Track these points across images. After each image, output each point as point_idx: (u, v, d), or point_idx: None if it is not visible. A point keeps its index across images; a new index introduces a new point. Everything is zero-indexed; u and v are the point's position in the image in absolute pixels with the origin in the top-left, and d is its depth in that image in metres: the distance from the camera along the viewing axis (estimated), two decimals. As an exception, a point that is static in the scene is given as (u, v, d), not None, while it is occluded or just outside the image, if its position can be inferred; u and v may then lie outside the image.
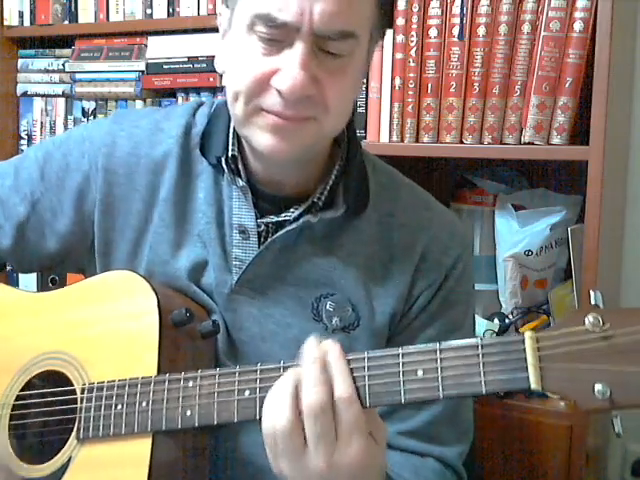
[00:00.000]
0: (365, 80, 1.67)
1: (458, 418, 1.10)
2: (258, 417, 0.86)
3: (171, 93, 2.02)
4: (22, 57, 2.24)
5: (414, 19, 1.60)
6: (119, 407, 0.95)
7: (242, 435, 1.02)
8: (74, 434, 0.98)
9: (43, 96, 2.21)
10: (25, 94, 2.24)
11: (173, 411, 0.92)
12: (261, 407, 0.85)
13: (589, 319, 0.74)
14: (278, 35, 0.91)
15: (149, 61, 2.01)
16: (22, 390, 1.04)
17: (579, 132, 1.51)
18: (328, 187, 1.04)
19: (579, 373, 0.73)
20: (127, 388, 0.95)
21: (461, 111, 1.58)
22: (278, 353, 1.02)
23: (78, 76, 2.11)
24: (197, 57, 1.93)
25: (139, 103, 2.04)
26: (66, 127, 2.17)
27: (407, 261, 1.07)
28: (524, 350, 0.76)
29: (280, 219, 1.04)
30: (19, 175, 1.15)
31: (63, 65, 2.15)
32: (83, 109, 2.14)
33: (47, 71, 2.20)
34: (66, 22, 2.13)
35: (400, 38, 1.62)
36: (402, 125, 1.64)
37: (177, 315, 0.97)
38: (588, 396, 0.73)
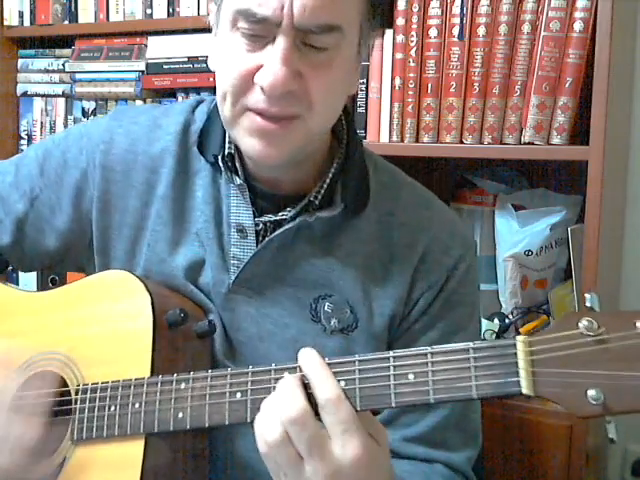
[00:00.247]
0: (365, 80, 1.67)
1: (465, 422, 1.08)
2: (249, 420, 0.85)
3: (171, 93, 2.02)
4: (22, 57, 2.24)
5: (414, 19, 1.60)
6: (112, 409, 0.95)
7: (239, 439, 1.02)
8: (68, 435, 0.98)
9: (43, 96, 2.22)
10: (25, 94, 2.25)
11: (165, 413, 0.91)
12: (252, 410, 0.85)
13: (583, 323, 0.72)
14: (260, 31, 0.90)
15: (149, 61, 2.01)
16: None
17: (579, 132, 1.51)
18: (325, 185, 1.03)
19: (572, 378, 0.72)
20: (120, 389, 0.95)
21: (461, 111, 1.58)
22: (276, 353, 1.02)
23: (78, 76, 2.11)
24: (197, 57, 1.93)
25: (139, 103, 2.04)
26: (66, 127, 2.17)
27: (407, 261, 1.06)
28: (515, 354, 0.75)
29: (278, 218, 1.03)
30: (19, 172, 1.15)
31: (63, 65, 2.15)
32: (83, 109, 2.14)
33: (47, 71, 2.20)
34: (66, 22, 2.14)
35: (400, 38, 1.62)
36: (402, 125, 1.64)
37: (171, 315, 0.97)
38: (581, 402, 0.71)
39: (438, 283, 1.06)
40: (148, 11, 2.01)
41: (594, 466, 1.66)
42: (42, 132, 2.22)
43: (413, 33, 1.60)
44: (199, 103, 1.14)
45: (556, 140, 1.49)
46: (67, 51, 2.15)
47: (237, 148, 1.04)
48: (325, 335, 1.03)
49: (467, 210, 1.77)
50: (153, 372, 0.94)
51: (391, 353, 0.81)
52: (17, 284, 2.07)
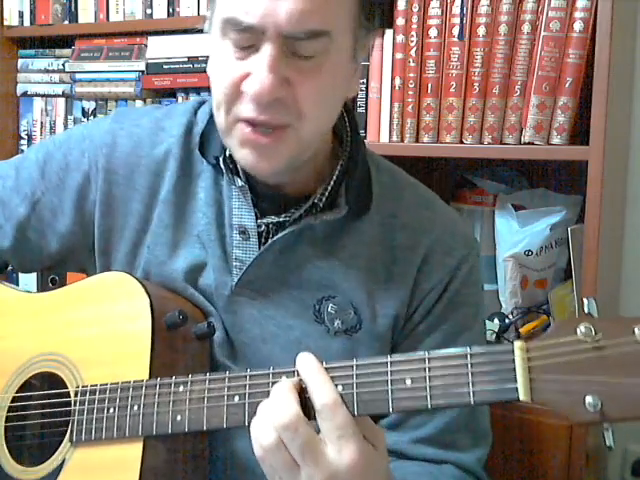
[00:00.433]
0: (365, 80, 1.67)
1: (474, 422, 1.08)
2: (247, 423, 0.85)
3: (171, 93, 2.01)
4: (22, 57, 2.24)
5: (414, 19, 1.60)
6: (111, 411, 0.95)
7: (238, 440, 1.01)
8: (67, 437, 0.98)
9: (43, 96, 2.21)
10: (25, 94, 2.24)
11: (164, 416, 0.91)
12: (250, 413, 0.85)
13: (581, 329, 0.72)
14: (247, 39, 0.90)
15: (149, 61, 2.01)
16: (18, 392, 1.04)
17: (579, 132, 1.51)
18: (329, 188, 1.02)
19: (569, 384, 0.72)
20: (119, 392, 0.95)
21: (461, 111, 1.58)
22: (279, 355, 1.02)
23: (78, 76, 2.10)
24: (197, 57, 1.93)
25: (139, 103, 2.04)
26: (66, 127, 2.17)
27: (410, 263, 1.05)
28: (513, 360, 0.75)
29: (281, 220, 1.03)
30: (20, 175, 1.15)
31: (63, 65, 2.15)
32: (83, 109, 2.13)
33: (47, 71, 2.20)
34: (66, 22, 2.13)
35: (400, 38, 1.61)
36: (402, 125, 1.64)
37: (170, 317, 0.97)
38: (579, 408, 0.71)
39: (441, 284, 1.06)
40: (148, 11, 2.01)
41: (594, 466, 1.65)
42: (42, 132, 2.21)
43: (413, 33, 1.60)
44: (201, 104, 1.13)
45: (556, 140, 1.49)
46: (67, 51, 2.15)
47: None
48: (329, 336, 1.03)
49: (467, 210, 1.77)
50: (152, 374, 0.94)
51: (389, 358, 0.81)
52: (17, 284, 2.07)
